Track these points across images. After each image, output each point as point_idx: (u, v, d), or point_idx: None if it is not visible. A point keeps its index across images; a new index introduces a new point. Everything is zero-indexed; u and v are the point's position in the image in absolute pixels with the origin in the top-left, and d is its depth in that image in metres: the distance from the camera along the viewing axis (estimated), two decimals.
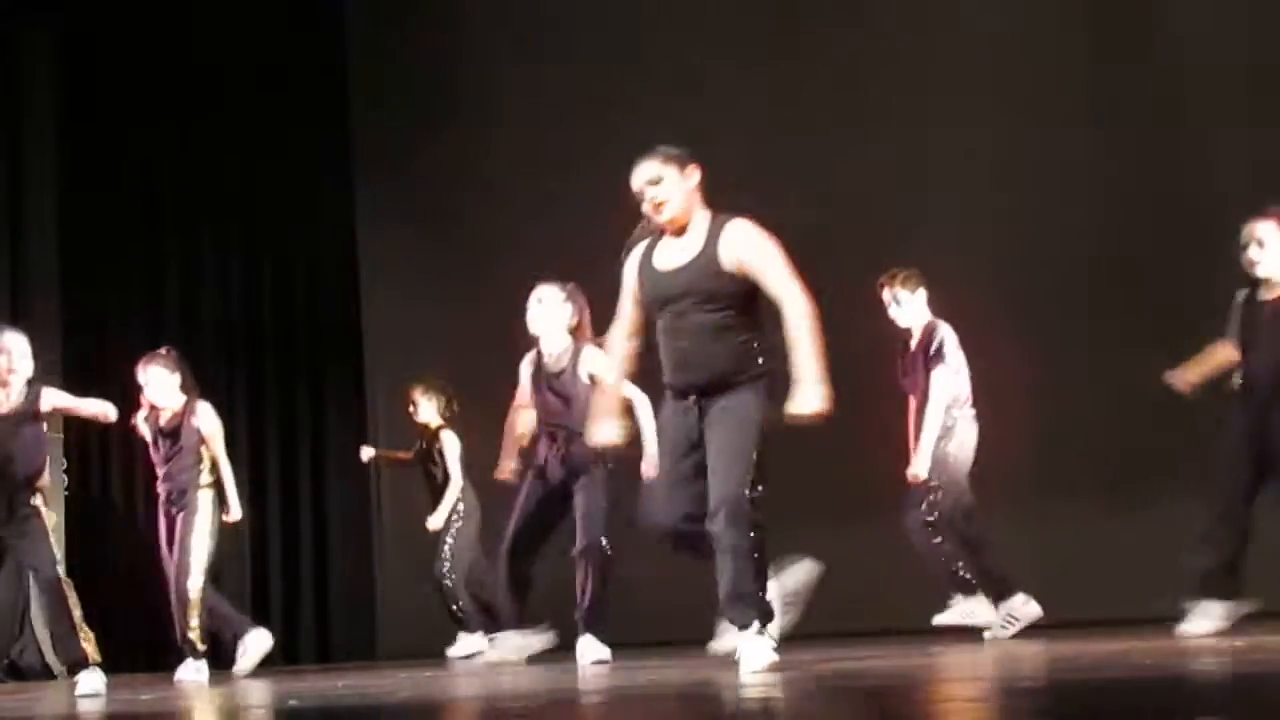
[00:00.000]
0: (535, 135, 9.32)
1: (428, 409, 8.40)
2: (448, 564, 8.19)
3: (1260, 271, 5.78)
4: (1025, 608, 6.38)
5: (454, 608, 8.15)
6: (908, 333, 6.72)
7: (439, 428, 8.33)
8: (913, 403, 6.71)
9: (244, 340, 9.94)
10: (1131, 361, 7.05)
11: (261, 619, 9.53)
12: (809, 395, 4.50)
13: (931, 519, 6.45)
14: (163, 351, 7.38)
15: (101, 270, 9.93)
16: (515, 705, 4.27)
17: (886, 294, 6.72)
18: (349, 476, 9.64)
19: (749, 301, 4.70)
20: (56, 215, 9.82)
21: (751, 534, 4.52)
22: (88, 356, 9.17)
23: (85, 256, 9.90)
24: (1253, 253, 5.75)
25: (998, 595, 6.40)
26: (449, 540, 8.20)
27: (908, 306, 6.68)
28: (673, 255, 4.77)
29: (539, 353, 6.69)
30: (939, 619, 6.58)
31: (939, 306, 6.73)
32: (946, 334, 6.57)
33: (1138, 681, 3.55)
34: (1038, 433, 7.64)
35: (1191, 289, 7.01)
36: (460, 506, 8.20)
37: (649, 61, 9.06)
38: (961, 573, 6.45)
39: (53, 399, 6.34)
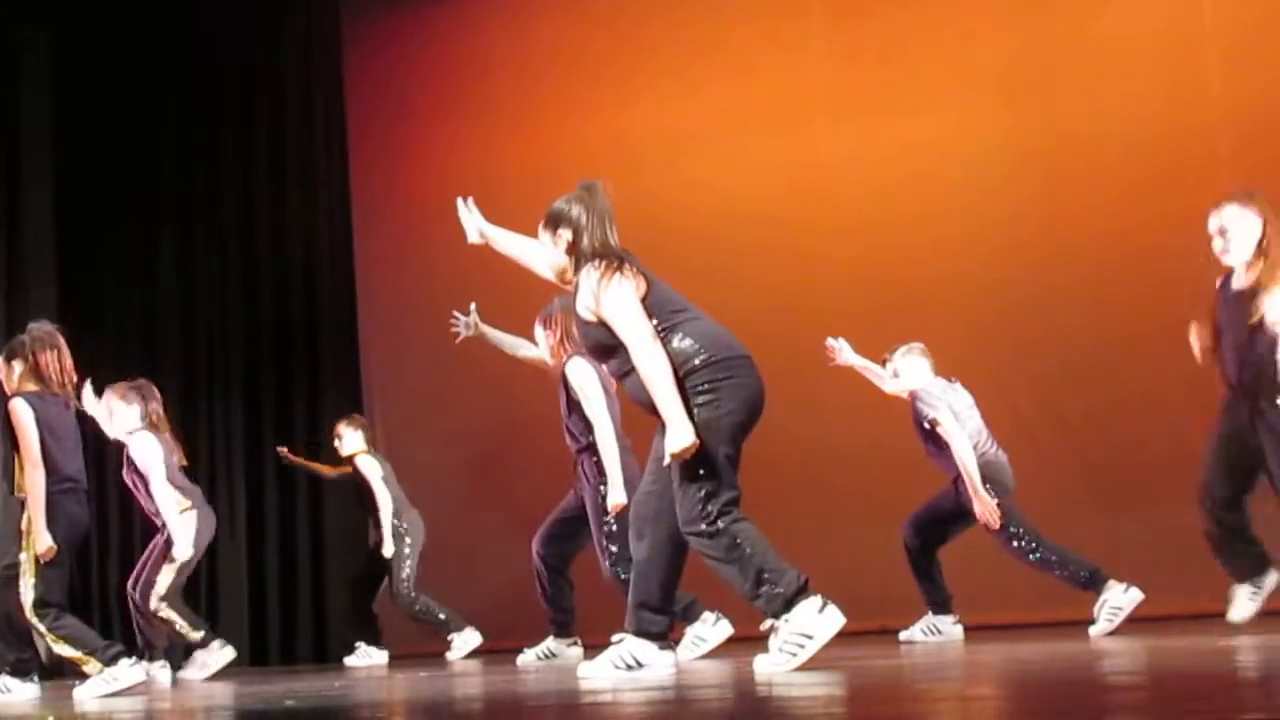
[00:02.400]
0: (533, 135, 9.32)
1: (352, 439, 8.60)
2: (407, 585, 8.25)
3: (1229, 260, 5.69)
4: (1126, 596, 6.22)
5: (440, 616, 8.20)
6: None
7: (352, 456, 8.53)
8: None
9: (241, 340, 9.93)
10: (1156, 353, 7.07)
11: (259, 618, 9.57)
12: (673, 438, 4.55)
13: (1018, 541, 6.43)
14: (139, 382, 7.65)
15: (98, 270, 9.93)
16: (509, 704, 4.27)
17: (889, 368, 6.84)
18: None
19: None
20: (54, 214, 9.83)
21: (717, 540, 4.56)
22: (83, 357, 9.15)
23: (82, 256, 9.91)
24: (1217, 244, 5.69)
25: (1088, 584, 6.31)
26: (406, 566, 8.26)
27: (903, 378, 6.77)
28: None
29: None
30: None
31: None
32: (925, 401, 6.58)
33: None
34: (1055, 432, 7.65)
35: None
36: (404, 525, 8.27)
37: (646, 60, 9.06)
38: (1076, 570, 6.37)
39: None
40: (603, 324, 4.71)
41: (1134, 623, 6.17)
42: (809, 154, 8.53)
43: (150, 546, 7.62)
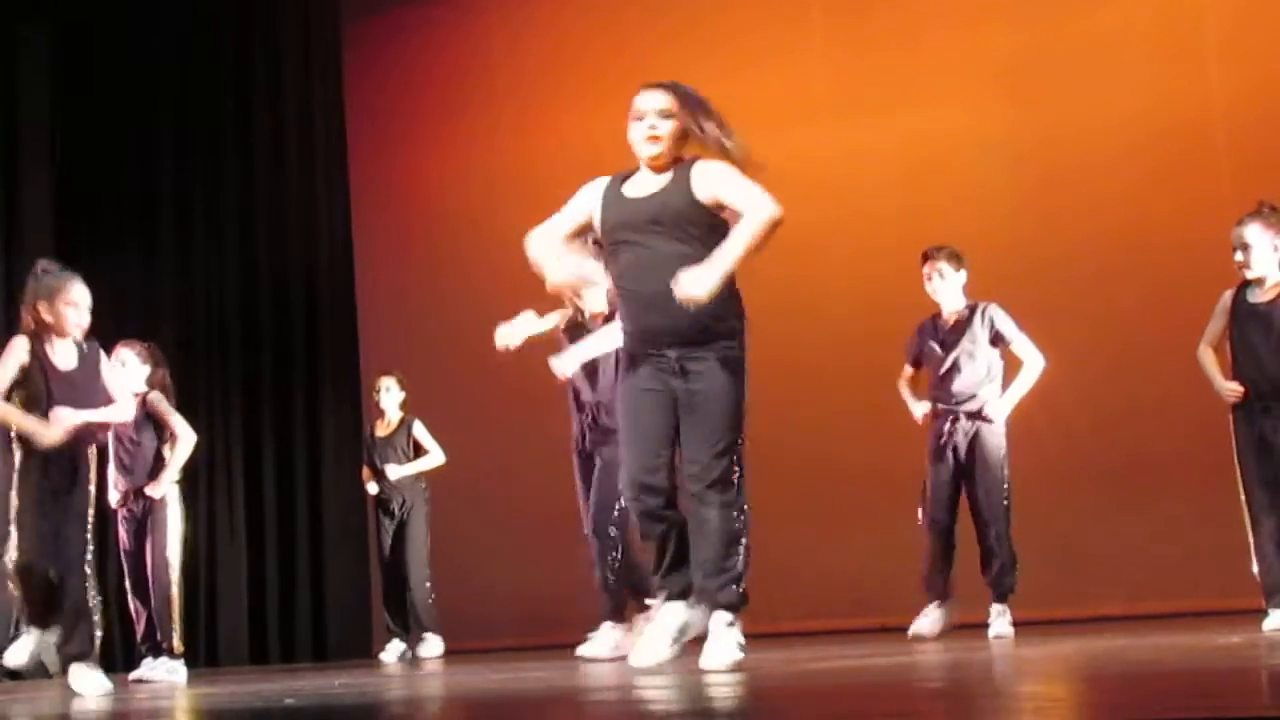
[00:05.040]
0: (533, 134, 9.32)
1: (397, 398, 8.51)
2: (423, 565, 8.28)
3: (1250, 274, 5.71)
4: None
5: (427, 605, 8.23)
6: (937, 309, 6.59)
7: (404, 418, 8.48)
8: (912, 372, 6.65)
9: (239, 337, 9.93)
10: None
11: (258, 617, 9.56)
12: (697, 278, 4.26)
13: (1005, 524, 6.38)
14: (144, 342, 7.19)
15: (96, 272, 9.87)
16: (507, 701, 4.26)
17: (928, 267, 6.54)
18: (345, 474, 9.63)
19: (720, 239, 4.44)
20: (52, 207, 9.82)
21: (734, 513, 4.36)
22: None
23: (81, 256, 9.89)
24: (1240, 256, 5.69)
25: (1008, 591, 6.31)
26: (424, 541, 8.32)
27: (951, 281, 6.53)
28: (644, 185, 4.61)
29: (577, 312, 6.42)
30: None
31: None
32: (1001, 314, 6.49)
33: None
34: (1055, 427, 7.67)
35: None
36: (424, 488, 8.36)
37: (647, 58, 9.04)
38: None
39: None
40: (707, 208, 4.48)
41: (1134, 621, 6.18)
42: (809, 151, 8.52)
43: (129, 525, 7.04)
